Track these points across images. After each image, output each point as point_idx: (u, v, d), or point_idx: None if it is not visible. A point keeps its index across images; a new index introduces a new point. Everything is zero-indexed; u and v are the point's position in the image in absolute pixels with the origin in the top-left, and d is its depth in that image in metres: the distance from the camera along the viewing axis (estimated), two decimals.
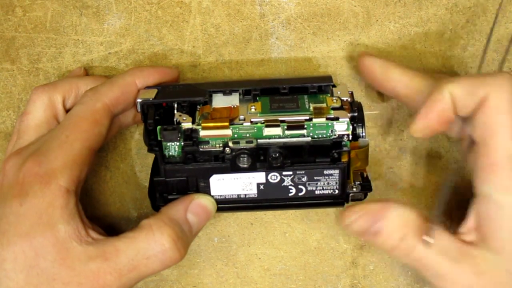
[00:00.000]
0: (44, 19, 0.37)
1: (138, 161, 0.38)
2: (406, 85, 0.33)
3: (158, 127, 0.31)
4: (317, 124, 0.31)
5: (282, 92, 0.33)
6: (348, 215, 0.31)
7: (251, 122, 0.31)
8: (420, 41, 0.37)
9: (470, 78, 0.29)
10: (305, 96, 0.33)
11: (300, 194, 0.32)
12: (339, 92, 0.32)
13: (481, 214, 0.29)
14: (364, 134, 0.32)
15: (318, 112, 0.31)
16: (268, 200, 0.33)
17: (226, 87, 0.33)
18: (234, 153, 0.31)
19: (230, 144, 0.31)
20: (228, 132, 0.31)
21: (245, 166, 0.31)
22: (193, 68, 0.38)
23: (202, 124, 0.31)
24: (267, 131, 0.31)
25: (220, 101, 0.33)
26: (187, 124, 0.31)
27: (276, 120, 0.31)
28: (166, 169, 0.31)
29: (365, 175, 0.33)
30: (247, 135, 0.31)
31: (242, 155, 0.31)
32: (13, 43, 0.37)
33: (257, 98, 0.33)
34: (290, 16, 0.37)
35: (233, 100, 0.33)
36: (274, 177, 0.32)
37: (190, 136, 0.31)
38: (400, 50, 0.37)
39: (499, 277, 0.29)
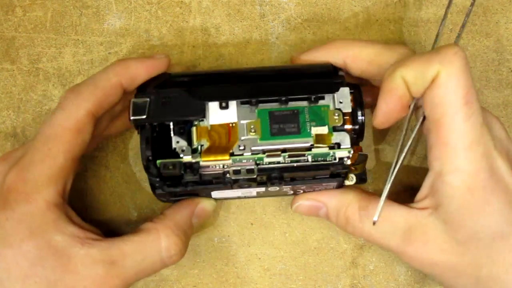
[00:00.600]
0: (44, 19, 0.37)
1: (138, 161, 0.38)
2: (369, 62, 0.31)
3: (158, 162, 0.30)
4: (318, 152, 0.31)
5: (281, 99, 0.31)
6: (294, 201, 0.34)
7: (252, 151, 0.30)
8: (420, 41, 0.37)
9: (420, 58, 0.28)
10: (306, 110, 0.31)
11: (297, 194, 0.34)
12: (341, 102, 0.31)
13: (433, 186, 0.30)
14: (363, 118, 0.31)
15: (320, 140, 0.31)
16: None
17: (222, 86, 0.31)
18: (234, 178, 0.31)
19: (231, 172, 0.31)
20: (229, 161, 0.30)
21: (246, 186, 0.32)
22: (193, 68, 0.38)
23: (203, 158, 0.30)
24: (268, 160, 0.31)
25: (216, 114, 0.31)
26: (187, 158, 0.30)
27: (277, 150, 0.30)
28: (167, 190, 0.31)
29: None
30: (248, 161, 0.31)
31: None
32: (13, 43, 0.38)
33: (256, 111, 0.31)
34: (290, 16, 0.37)
35: (230, 115, 0.31)
36: (273, 188, 0.32)
37: (191, 168, 0.30)
38: None
39: (447, 245, 0.29)
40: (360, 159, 0.31)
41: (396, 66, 0.29)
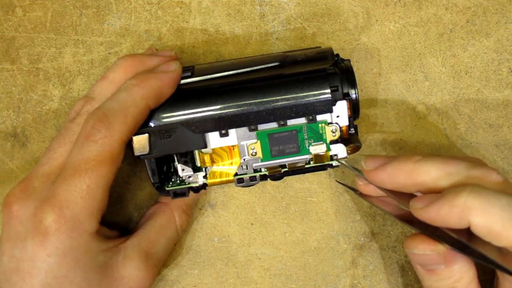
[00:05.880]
0: (44, 19, 0.37)
1: (138, 161, 0.38)
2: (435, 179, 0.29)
3: (168, 189, 0.33)
4: (317, 165, 0.33)
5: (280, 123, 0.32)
6: (415, 246, 0.29)
7: (254, 169, 0.33)
8: (420, 41, 0.37)
9: (503, 214, 0.26)
10: (304, 128, 0.32)
11: None
12: (338, 116, 0.32)
13: None
14: (356, 94, 0.32)
15: (319, 159, 0.33)
16: None
17: (219, 117, 0.31)
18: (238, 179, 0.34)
19: (235, 181, 0.33)
20: (233, 179, 0.33)
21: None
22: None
23: (209, 181, 0.33)
24: (270, 174, 0.33)
25: (217, 140, 0.32)
26: (194, 184, 0.33)
27: (278, 167, 0.33)
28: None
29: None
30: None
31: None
32: (13, 43, 0.37)
33: (255, 133, 0.32)
34: (290, 16, 0.37)
35: (230, 139, 0.32)
36: None
37: (199, 189, 0.34)
38: (400, 50, 0.37)
39: None
40: (355, 151, 0.33)
41: (471, 207, 0.26)
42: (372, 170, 0.31)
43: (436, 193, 0.28)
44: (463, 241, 0.27)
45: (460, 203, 0.26)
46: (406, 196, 0.30)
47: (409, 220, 0.29)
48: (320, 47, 0.35)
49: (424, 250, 0.29)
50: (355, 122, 0.33)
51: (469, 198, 0.26)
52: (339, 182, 0.37)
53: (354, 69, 0.33)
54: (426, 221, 0.28)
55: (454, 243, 0.28)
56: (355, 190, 0.34)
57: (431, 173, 0.29)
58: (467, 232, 0.27)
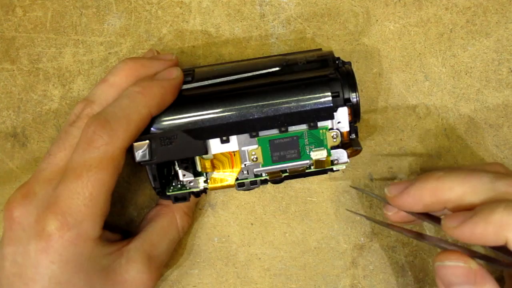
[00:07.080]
0: (44, 19, 0.37)
1: None
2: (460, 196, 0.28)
3: (169, 194, 0.33)
4: (317, 170, 0.33)
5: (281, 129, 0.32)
6: (448, 257, 0.29)
7: (255, 175, 0.33)
8: (420, 41, 0.37)
9: None
10: (305, 134, 0.32)
11: None
12: (339, 122, 0.32)
13: None
14: (357, 98, 0.32)
15: (319, 165, 0.33)
16: None
17: (220, 123, 0.31)
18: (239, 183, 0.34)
19: (236, 185, 0.33)
20: (234, 183, 0.33)
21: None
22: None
23: (210, 186, 0.33)
24: (271, 179, 0.33)
25: (218, 146, 0.32)
26: (195, 189, 0.33)
27: (278, 172, 0.33)
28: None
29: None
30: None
31: None
32: (13, 43, 0.37)
33: (256, 139, 0.32)
34: (290, 16, 0.37)
35: (231, 145, 0.32)
36: None
37: (199, 193, 0.34)
38: (400, 50, 0.37)
39: None
40: (355, 154, 0.33)
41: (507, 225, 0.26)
42: (397, 195, 0.31)
43: (466, 210, 0.28)
44: (501, 255, 0.27)
45: (496, 220, 0.26)
46: (437, 218, 0.30)
47: (444, 243, 0.30)
48: (321, 49, 0.35)
49: (457, 261, 0.28)
50: (356, 124, 0.33)
51: (504, 215, 0.26)
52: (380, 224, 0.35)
53: (354, 70, 0.33)
54: (460, 240, 0.27)
55: (486, 258, 0.28)
56: (387, 224, 0.33)
57: (454, 189, 0.28)
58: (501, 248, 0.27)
